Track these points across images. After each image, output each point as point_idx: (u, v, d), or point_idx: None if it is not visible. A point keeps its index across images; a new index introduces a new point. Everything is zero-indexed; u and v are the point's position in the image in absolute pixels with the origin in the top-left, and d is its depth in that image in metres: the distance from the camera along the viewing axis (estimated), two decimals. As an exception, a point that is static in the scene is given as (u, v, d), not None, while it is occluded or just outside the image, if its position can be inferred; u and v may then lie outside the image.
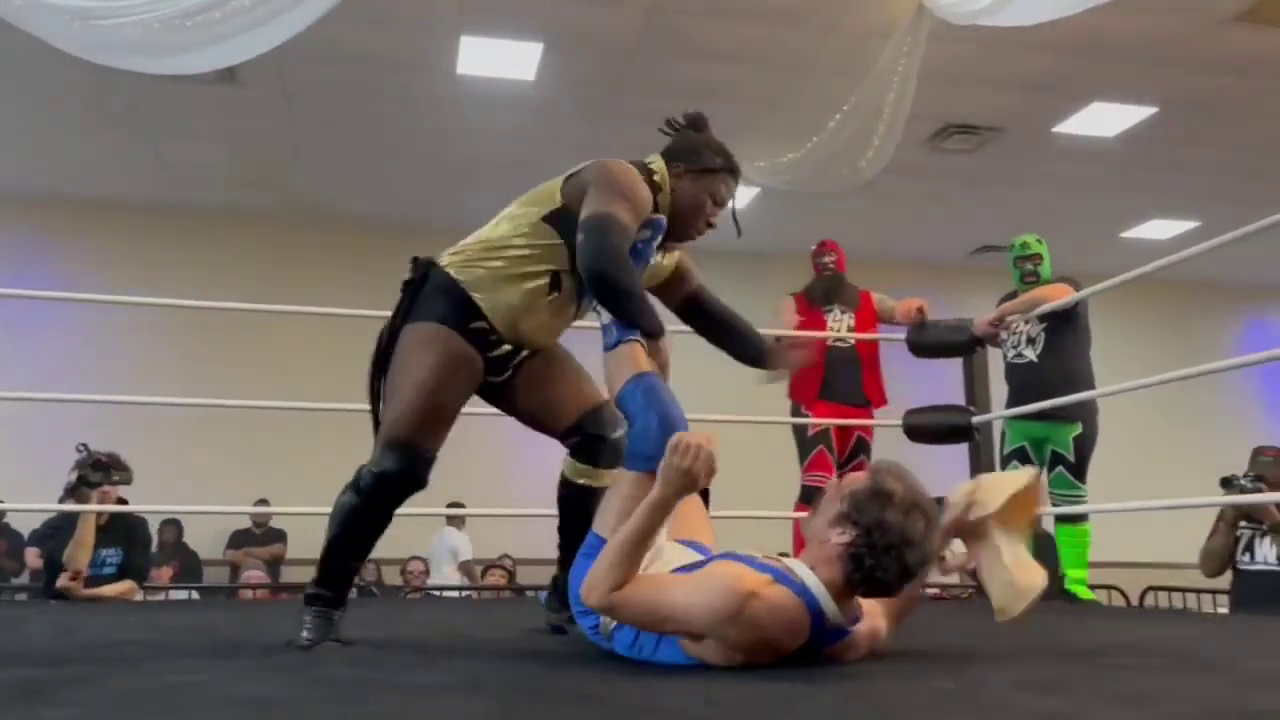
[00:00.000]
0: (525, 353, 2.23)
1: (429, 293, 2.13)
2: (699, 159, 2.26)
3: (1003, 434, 4.35)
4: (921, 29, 5.20)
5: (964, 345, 4.35)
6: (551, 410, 2.26)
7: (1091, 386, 4.17)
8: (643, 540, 1.73)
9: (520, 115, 6.59)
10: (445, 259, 2.18)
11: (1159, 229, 8.73)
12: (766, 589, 1.65)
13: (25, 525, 5.96)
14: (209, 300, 4.57)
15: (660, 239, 2.23)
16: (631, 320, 2.09)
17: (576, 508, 2.27)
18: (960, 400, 4.54)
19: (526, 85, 6.22)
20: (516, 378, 2.24)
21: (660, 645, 1.76)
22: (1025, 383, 4.20)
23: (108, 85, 5.88)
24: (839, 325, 4.61)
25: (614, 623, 1.82)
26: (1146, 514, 7.10)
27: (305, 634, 2.04)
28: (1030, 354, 4.24)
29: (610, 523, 1.88)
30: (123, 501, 4.03)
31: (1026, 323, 4.26)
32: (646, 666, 1.76)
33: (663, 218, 2.20)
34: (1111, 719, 1.30)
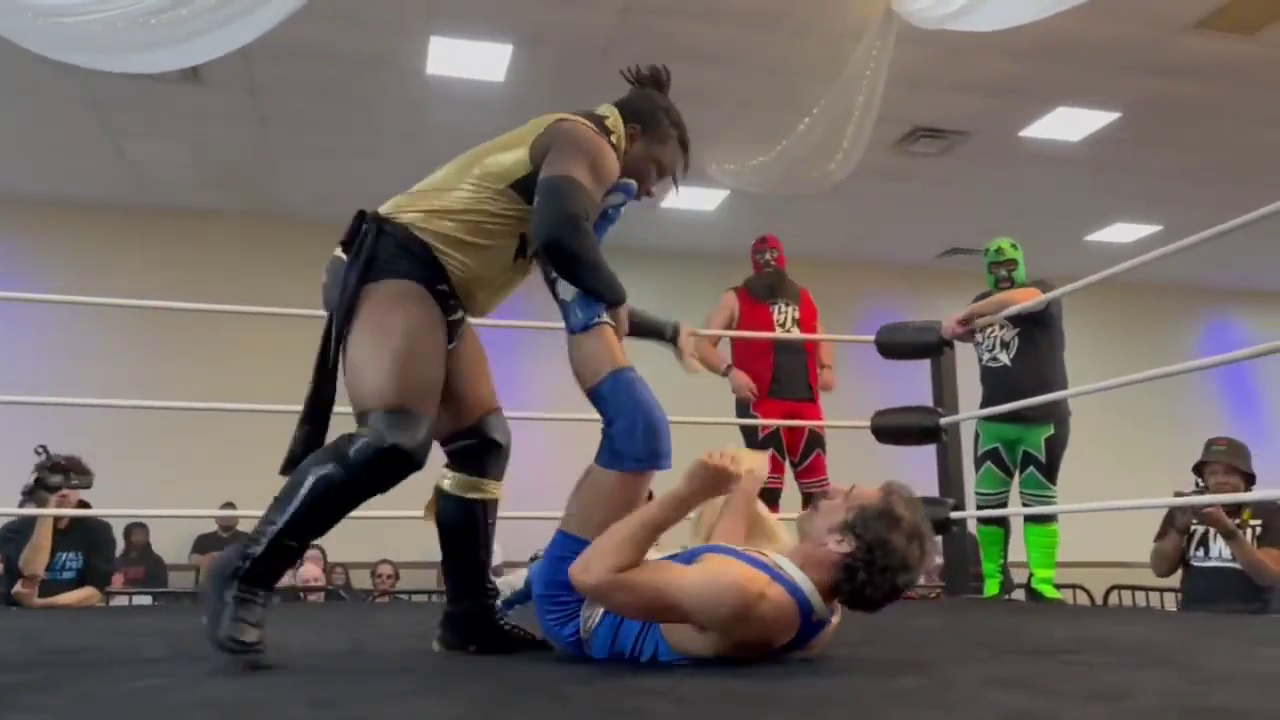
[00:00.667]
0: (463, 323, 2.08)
1: (388, 249, 1.90)
2: (657, 126, 2.14)
3: (976, 435, 4.41)
4: (890, 33, 5.25)
5: (932, 346, 4.38)
6: (457, 403, 2.04)
7: (1064, 387, 4.24)
8: (656, 530, 1.73)
9: (490, 116, 6.55)
10: (403, 214, 1.95)
11: (1123, 232, 8.86)
12: (770, 589, 1.67)
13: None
14: (174, 301, 4.51)
15: (629, 199, 2.11)
16: (592, 291, 1.93)
17: (470, 527, 2.07)
18: (928, 401, 4.58)
19: (496, 86, 6.21)
20: (454, 354, 2.04)
21: (642, 642, 1.76)
22: (999, 386, 4.26)
23: (70, 83, 5.80)
24: (784, 319, 4.64)
25: (594, 624, 1.80)
26: (1110, 514, 7.20)
27: (229, 621, 1.72)
28: (1004, 358, 4.32)
29: (592, 521, 1.81)
30: (84, 505, 3.97)
31: (1001, 327, 4.32)
32: (620, 666, 1.76)
33: (633, 182, 2.09)
34: (1078, 715, 1.31)
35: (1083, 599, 5.70)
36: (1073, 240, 8.94)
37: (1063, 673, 1.76)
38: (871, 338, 4.48)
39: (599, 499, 1.83)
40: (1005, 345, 4.33)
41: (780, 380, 4.50)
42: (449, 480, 2.10)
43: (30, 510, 3.88)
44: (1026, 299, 4.17)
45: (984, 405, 4.32)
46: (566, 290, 1.98)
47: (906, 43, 5.32)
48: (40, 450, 3.87)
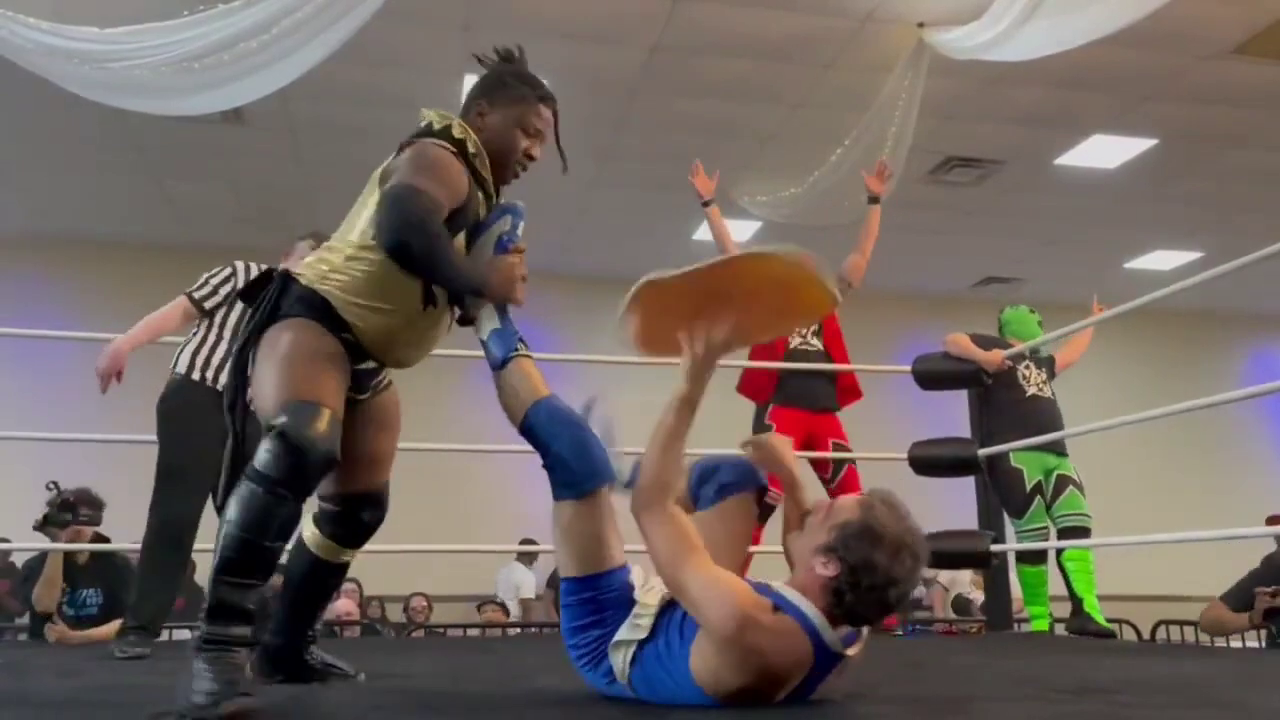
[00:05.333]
0: (386, 378, 2.07)
1: (289, 300, 1.89)
2: (503, 90, 2.08)
3: (1015, 469, 4.32)
4: (922, 64, 5.26)
5: (971, 376, 4.34)
6: (354, 464, 2.00)
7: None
8: (680, 438, 1.74)
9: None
10: (305, 275, 1.92)
11: (1162, 259, 8.75)
12: (766, 615, 1.62)
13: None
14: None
15: (522, 223, 2.05)
16: (454, 286, 1.90)
17: (315, 583, 2.12)
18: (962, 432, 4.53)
19: (530, 123, 6.28)
20: (362, 407, 2.02)
21: (679, 687, 1.71)
22: (1043, 415, 4.31)
23: (115, 126, 5.94)
24: (804, 330, 4.49)
25: (630, 660, 1.76)
26: (1156, 546, 7.05)
27: (204, 687, 1.58)
28: (1048, 391, 4.46)
29: (572, 558, 1.80)
30: (101, 538, 3.94)
31: (1040, 367, 4.48)
32: (650, 708, 1.73)
33: (520, 204, 2.05)
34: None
35: (1129, 634, 5.57)
36: (1112, 267, 8.84)
37: (1108, 714, 1.71)
38: (907, 368, 4.44)
39: (567, 534, 1.81)
40: (1045, 383, 4.47)
41: (789, 388, 4.35)
42: (310, 535, 2.10)
43: (44, 545, 3.83)
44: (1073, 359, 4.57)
45: (1025, 433, 4.26)
46: (481, 329, 1.98)
47: (939, 73, 5.32)
48: (51, 486, 3.86)
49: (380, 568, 6.99)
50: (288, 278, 1.92)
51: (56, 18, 3.89)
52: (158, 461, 3.21)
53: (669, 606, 1.76)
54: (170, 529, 3.10)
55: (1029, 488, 4.28)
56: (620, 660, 1.76)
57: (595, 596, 1.78)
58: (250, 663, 1.99)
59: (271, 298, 1.90)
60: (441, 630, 5.83)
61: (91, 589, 3.96)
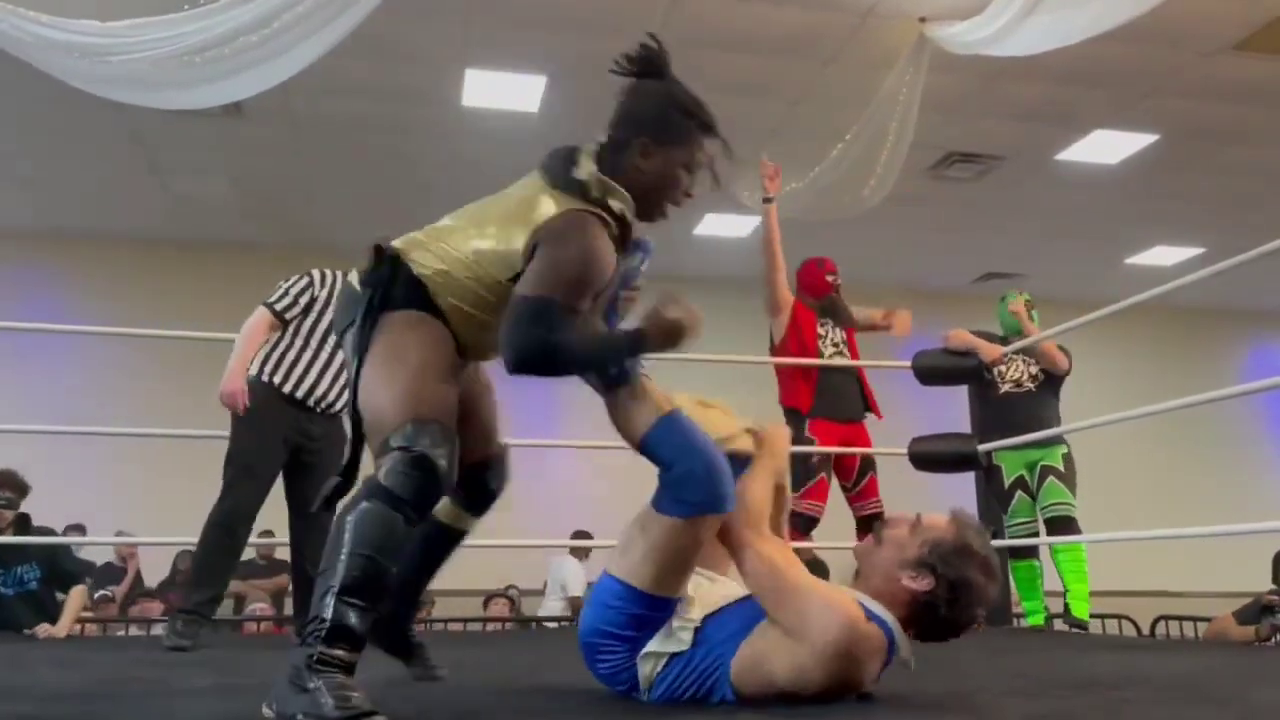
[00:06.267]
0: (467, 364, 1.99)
1: (401, 284, 1.83)
2: (670, 130, 1.92)
3: (993, 466, 4.35)
4: (923, 59, 5.25)
5: (971, 371, 4.35)
6: (469, 435, 1.95)
7: (1060, 424, 4.36)
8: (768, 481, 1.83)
9: (524, 147, 6.63)
10: (413, 258, 1.84)
11: (1164, 255, 8.75)
12: (868, 626, 1.65)
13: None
14: (216, 332, 4.58)
15: (648, 260, 1.96)
16: (604, 368, 1.81)
17: (432, 550, 2.10)
18: (961, 427, 4.53)
19: (531, 117, 6.28)
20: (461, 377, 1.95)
21: (704, 690, 1.71)
22: (1022, 409, 4.30)
23: (114, 119, 5.94)
24: (836, 338, 4.51)
25: (658, 671, 1.74)
26: (1155, 542, 7.06)
27: (327, 704, 1.49)
28: (1030, 385, 4.41)
29: (648, 571, 1.73)
30: (24, 519, 3.99)
31: (1025, 362, 4.43)
32: (659, 707, 1.73)
33: (649, 241, 1.96)
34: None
35: (1129, 629, 5.58)
36: (1113, 263, 8.84)
37: (1109, 709, 1.72)
38: (907, 363, 4.45)
39: (659, 547, 1.73)
40: (1033, 378, 4.43)
41: (831, 399, 4.35)
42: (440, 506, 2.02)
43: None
44: (1054, 350, 4.37)
45: (1001, 430, 4.27)
46: None
47: (940, 68, 5.32)
48: None
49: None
50: (396, 257, 1.84)
51: (57, 11, 3.88)
52: (226, 455, 3.34)
53: (708, 624, 1.76)
54: (229, 520, 3.25)
55: (1008, 484, 4.32)
56: (648, 669, 1.75)
57: (647, 615, 1.75)
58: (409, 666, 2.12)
59: (383, 282, 1.82)
60: (442, 625, 5.83)
61: (26, 565, 3.99)
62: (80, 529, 6.36)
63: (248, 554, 7.30)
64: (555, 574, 7.05)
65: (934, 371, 4.43)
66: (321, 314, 3.43)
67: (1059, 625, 4.39)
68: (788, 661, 1.64)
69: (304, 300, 3.42)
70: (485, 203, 1.93)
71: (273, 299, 3.43)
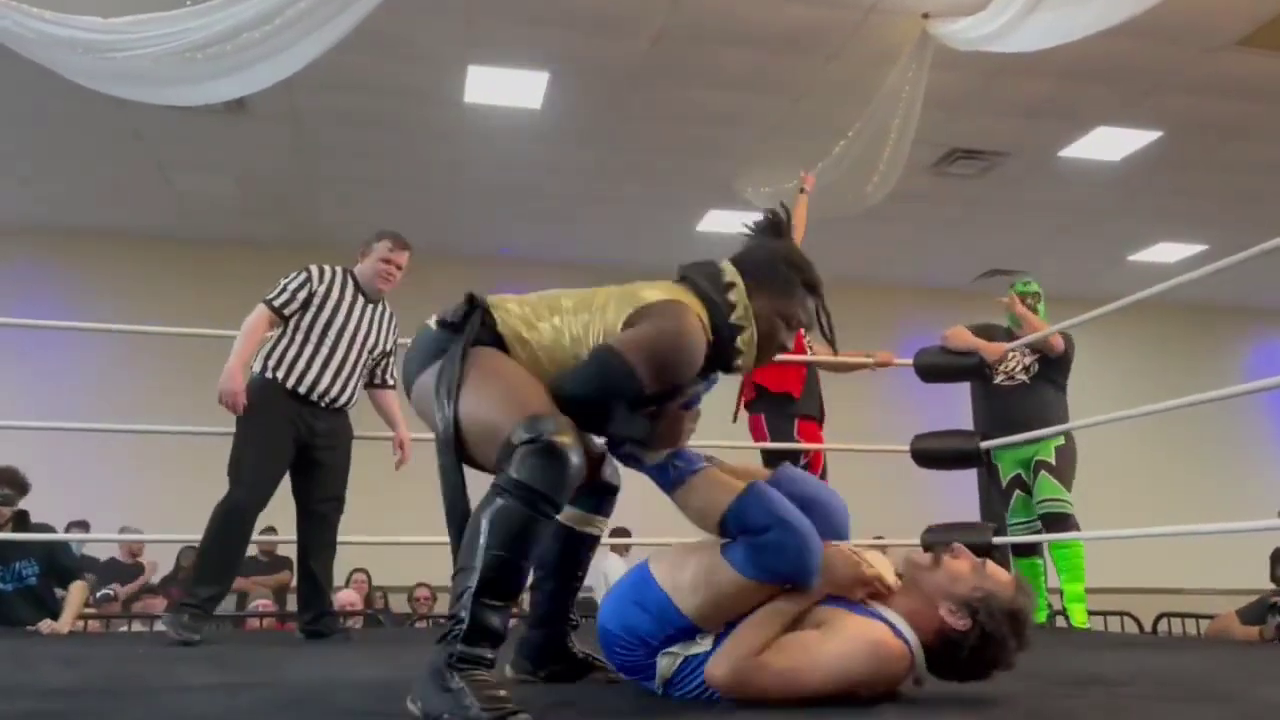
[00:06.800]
0: None
1: (485, 331, 1.85)
2: (772, 276, 1.94)
3: (992, 465, 4.35)
4: (926, 55, 5.24)
5: (974, 369, 4.35)
6: None
7: (1068, 417, 4.27)
8: (786, 620, 1.72)
9: (527, 143, 6.64)
10: (502, 316, 1.87)
11: (1167, 252, 8.73)
12: (894, 642, 1.67)
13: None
14: (219, 329, 4.58)
15: (710, 389, 1.98)
16: (622, 435, 1.84)
17: (572, 558, 2.06)
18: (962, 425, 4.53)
19: (533, 113, 6.27)
20: None
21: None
22: (1015, 403, 4.27)
23: (118, 116, 5.94)
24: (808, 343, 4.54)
25: (675, 667, 1.76)
26: (1159, 539, 7.06)
27: (472, 704, 1.51)
28: (1023, 377, 4.34)
29: (697, 606, 1.74)
30: (22, 515, 4.01)
31: (1023, 354, 4.36)
32: (667, 703, 1.74)
33: (718, 374, 1.95)
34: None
35: (1130, 626, 5.58)
36: (1116, 260, 8.83)
37: (1109, 706, 1.72)
38: (909, 361, 4.45)
39: (725, 596, 1.73)
40: (1026, 369, 4.36)
41: (808, 397, 4.36)
42: (568, 515, 2.02)
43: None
44: (1057, 344, 4.28)
45: (996, 424, 4.28)
46: (645, 459, 1.89)
47: (943, 65, 5.31)
48: None
49: (387, 558, 7.02)
50: (486, 312, 1.86)
51: (60, 7, 3.88)
52: (232, 452, 3.34)
53: (731, 624, 1.76)
54: (234, 516, 3.25)
55: (1005, 483, 4.29)
56: (666, 665, 1.78)
57: (681, 636, 1.77)
58: (510, 661, 2.03)
59: (474, 323, 1.84)
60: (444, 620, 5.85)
61: (24, 560, 3.99)
62: (84, 525, 6.37)
63: (250, 550, 7.36)
64: (596, 567, 7.18)
65: (935, 369, 4.42)
66: (321, 309, 3.43)
67: (1060, 623, 4.39)
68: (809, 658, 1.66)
69: (302, 296, 3.42)
70: (609, 288, 1.93)
71: (271, 296, 3.43)
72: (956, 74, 5.65)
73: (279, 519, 6.41)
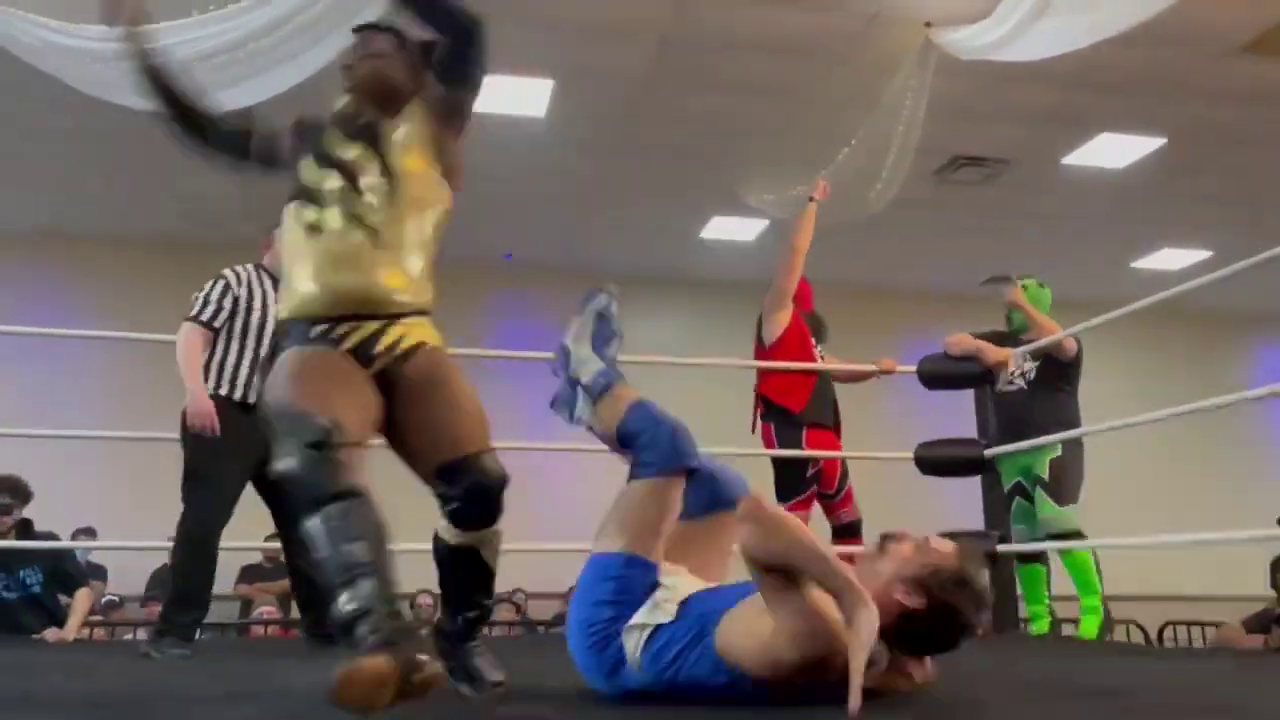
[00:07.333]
0: (400, 343, 1.93)
1: None
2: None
3: (994, 472, 4.33)
4: (929, 63, 5.25)
5: (977, 376, 4.34)
6: (415, 444, 1.91)
7: (1077, 422, 4.16)
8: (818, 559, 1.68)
9: (532, 152, 6.65)
10: None
11: (1170, 259, 8.72)
12: (834, 611, 1.66)
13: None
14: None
15: None
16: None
17: (445, 567, 1.99)
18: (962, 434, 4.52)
19: (538, 122, 6.28)
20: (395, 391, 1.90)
21: (699, 659, 1.75)
22: (1014, 410, 4.24)
23: (124, 122, 5.95)
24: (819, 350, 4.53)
25: (644, 641, 1.80)
26: (1162, 547, 7.04)
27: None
28: (1021, 383, 4.30)
29: (623, 529, 1.88)
30: (26, 523, 4.00)
31: (1024, 358, 4.31)
32: (657, 709, 1.74)
33: None
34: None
35: (1136, 635, 5.57)
36: (1119, 267, 8.81)
37: (1114, 718, 1.72)
38: (913, 368, 4.45)
39: (630, 510, 1.91)
40: (1024, 374, 4.30)
41: (817, 404, 4.31)
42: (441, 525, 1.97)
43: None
44: (1054, 331, 4.20)
45: (999, 431, 4.26)
46: (581, 373, 2.13)
47: (946, 72, 5.31)
48: None
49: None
50: None
51: (67, 16, 3.89)
52: (184, 472, 3.26)
53: (694, 599, 1.82)
54: (196, 535, 3.18)
55: (1006, 490, 4.26)
56: (634, 642, 1.82)
57: (624, 579, 1.86)
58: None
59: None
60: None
61: (29, 568, 3.99)
62: (90, 533, 6.37)
63: (254, 558, 7.36)
64: None
65: (939, 376, 4.42)
66: (249, 311, 3.38)
67: (1068, 631, 4.38)
68: (763, 625, 1.68)
69: (228, 304, 3.37)
70: None
71: (195, 312, 3.35)
72: (959, 81, 5.65)
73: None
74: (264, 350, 3.32)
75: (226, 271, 3.45)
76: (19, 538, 3.96)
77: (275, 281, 3.47)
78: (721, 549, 2.00)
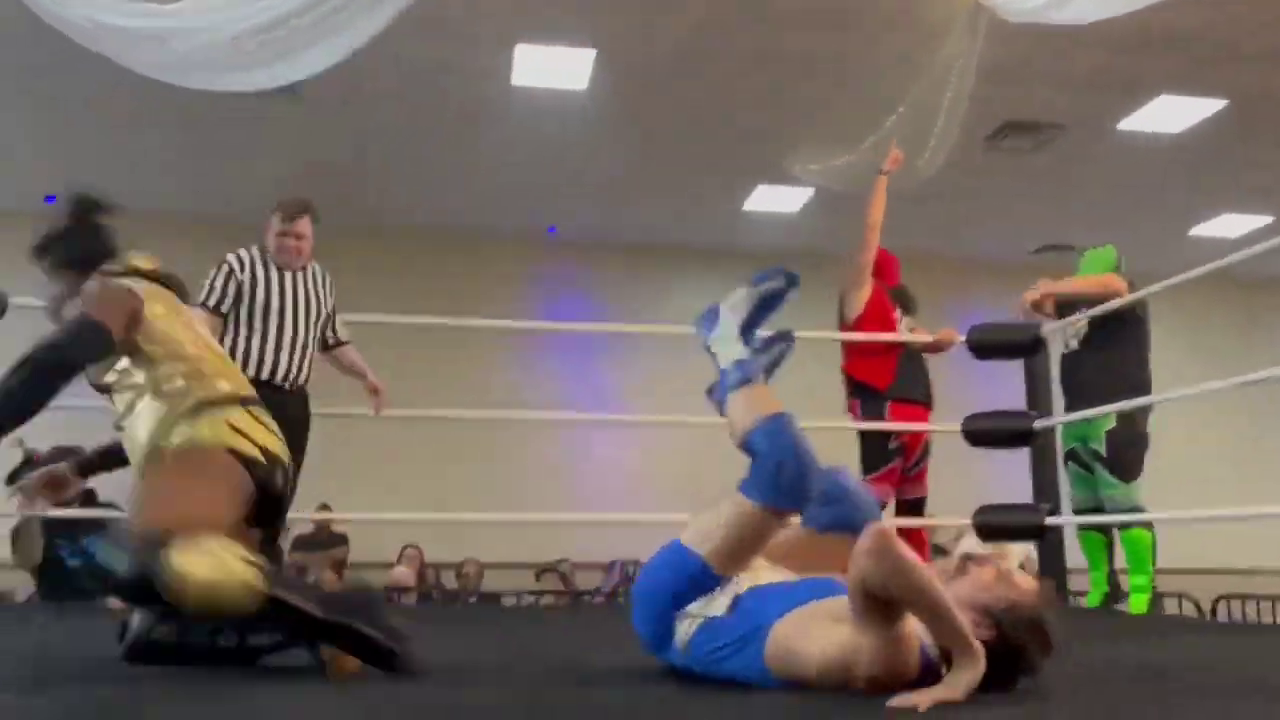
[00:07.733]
0: None
1: None
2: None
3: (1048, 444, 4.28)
4: (978, 27, 5.12)
5: (1027, 345, 4.27)
6: None
7: (1138, 385, 3.99)
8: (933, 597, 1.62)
9: (573, 124, 6.64)
10: None
11: (1230, 225, 8.48)
12: (914, 642, 1.64)
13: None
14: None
15: None
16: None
17: None
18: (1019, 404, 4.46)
19: (579, 95, 6.26)
20: None
21: (742, 662, 1.74)
22: (1066, 374, 4.18)
23: (166, 99, 6.03)
24: (908, 323, 4.52)
25: (694, 631, 1.81)
26: (1221, 520, 6.90)
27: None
28: (1074, 344, 4.22)
29: (712, 536, 1.84)
30: (90, 494, 4.09)
31: (1079, 318, 4.17)
32: (699, 690, 1.75)
33: None
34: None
35: (1189, 609, 5.48)
36: (1177, 235, 8.59)
37: (1154, 698, 1.69)
38: (963, 338, 4.39)
39: (727, 525, 1.84)
40: (1078, 334, 4.20)
41: (903, 379, 4.30)
42: None
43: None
44: (1094, 285, 4.13)
45: (1064, 394, 4.18)
46: (721, 357, 2.01)
47: (996, 37, 5.18)
48: (21, 446, 4.03)
49: (436, 536, 7.12)
50: None
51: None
52: None
53: (749, 595, 1.80)
54: None
55: (1061, 456, 4.21)
56: (685, 628, 1.83)
57: (694, 580, 1.83)
58: None
59: None
60: (496, 597, 5.93)
61: (92, 537, 4.07)
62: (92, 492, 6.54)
63: (306, 528, 7.52)
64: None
65: (990, 345, 4.35)
66: (254, 294, 3.46)
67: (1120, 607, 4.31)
68: (838, 633, 1.64)
69: (232, 289, 3.46)
70: None
71: (203, 298, 3.43)
72: (1010, 45, 5.51)
73: (334, 495, 6.56)
74: (275, 330, 3.42)
75: (230, 255, 3.55)
76: (82, 506, 4.08)
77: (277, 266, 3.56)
78: (830, 566, 1.90)
